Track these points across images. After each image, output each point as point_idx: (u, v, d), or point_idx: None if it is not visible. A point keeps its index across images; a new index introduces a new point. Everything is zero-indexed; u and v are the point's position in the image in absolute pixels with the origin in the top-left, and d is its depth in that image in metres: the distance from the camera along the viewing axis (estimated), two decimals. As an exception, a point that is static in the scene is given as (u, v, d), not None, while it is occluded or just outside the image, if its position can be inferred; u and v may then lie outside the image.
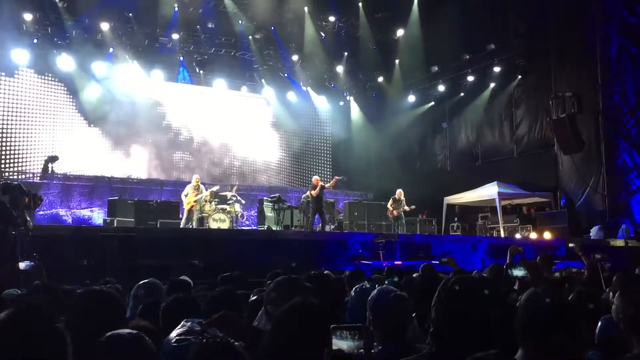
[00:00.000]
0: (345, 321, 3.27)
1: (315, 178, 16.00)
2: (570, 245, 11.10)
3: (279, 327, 2.16)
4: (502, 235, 16.71)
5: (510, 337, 2.01)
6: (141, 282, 4.12)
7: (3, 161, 17.73)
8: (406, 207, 16.43)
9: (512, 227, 17.23)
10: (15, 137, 18.35)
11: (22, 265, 6.65)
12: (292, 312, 2.16)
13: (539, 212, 17.52)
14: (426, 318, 2.73)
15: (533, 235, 15.90)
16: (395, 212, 16.43)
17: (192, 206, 14.72)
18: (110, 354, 1.90)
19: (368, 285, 3.26)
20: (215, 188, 15.67)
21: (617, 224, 15.34)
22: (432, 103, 22.39)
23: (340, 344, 1.83)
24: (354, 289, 3.27)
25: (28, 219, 7.62)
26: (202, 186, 15.18)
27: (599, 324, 3.29)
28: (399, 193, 16.65)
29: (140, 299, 3.86)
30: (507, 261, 7.38)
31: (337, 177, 15.89)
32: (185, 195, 14.85)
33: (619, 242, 14.15)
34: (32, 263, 6.62)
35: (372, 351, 2.36)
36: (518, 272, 4.92)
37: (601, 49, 16.55)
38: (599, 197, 16.49)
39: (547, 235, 15.28)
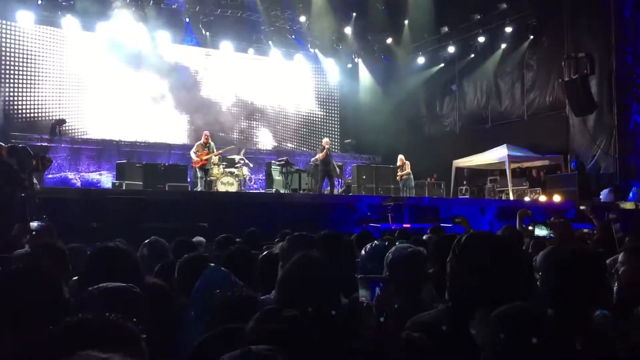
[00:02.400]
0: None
1: (325, 140, 15.97)
2: (581, 207, 11.05)
3: (284, 278, 2.19)
4: (511, 198, 16.65)
5: (523, 292, 1.99)
6: (145, 241, 4.13)
7: (10, 124, 17.69)
8: (402, 172, 16.53)
9: (521, 190, 17.15)
10: (22, 100, 18.29)
11: (32, 225, 6.68)
12: (294, 265, 2.19)
13: (548, 175, 17.41)
14: (439, 278, 2.70)
15: (542, 198, 15.83)
16: (399, 177, 16.62)
17: (203, 163, 14.74)
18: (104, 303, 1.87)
19: (378, 243, 3.23)
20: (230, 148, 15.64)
21: (628, 187, 15.24)
22: (442, 65, 22.07)
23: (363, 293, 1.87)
24: (364, 248, 3.23)
25: (35, 181, 7.62)
26: (212, 144, 15.17)
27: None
28: (400, 159, 16.75)
29: (145, 258, 3.86)
30: (517, 224, 7.36)
31: (328, 147, 15.67)
32: (195, 153, 14.85)
33: (629, 205, 14.06)
34: (42, 224, 6.65)
35: (394, 306, 2.35)
36: (541, 232, 4.88)
37: (615, 9, 16.19)
38: (610, 160, 16.34)
39: (557, 198, 15.20)
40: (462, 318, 1.76)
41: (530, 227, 4.93)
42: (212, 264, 3.02)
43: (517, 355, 1.63)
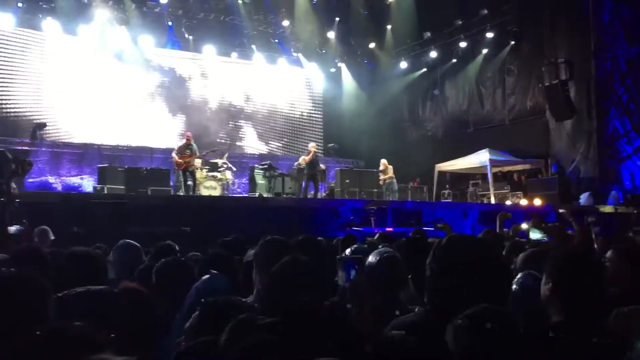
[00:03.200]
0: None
1: (312, 144, 16.03)
2: (561, 210, 11.19)
3: (271, 282, 2.21)
4: (493, 202, 16.80)
5: (501, 295, 2.02)
6: (115, 245, 4.11)
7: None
8: (385, 176, 16.63)
9: (502, 194, 17.32)
10: (1, 103, 18.06)
11: (11, 229, 6.61)
12: (283, 267, 2.23)
13: (529, 179, 17.59)
14: (418, 280, 2.73)
15: (523, 202, 15.99)
16: (382, 182, 16.72)
17: (186, 166, 14.54)
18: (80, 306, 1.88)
19: (357, 246, 3.27)
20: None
21: (607, 191, 15.45)
22: (424, 69, 22.24)
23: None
24: (347, 250, 3.28)
25: (14, 186, 7.53)
26: (194, 145, 14.98)
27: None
28: (382, 163, 16.88)
29: (115, 261, 3.86)
30: (497, 227, 7.44)
31: (315, 151, 15.72)
32: (178, 154, 14.62)
33: (608, 208, 14.26)
34: (21, 228, 6.58)
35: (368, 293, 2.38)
36: (536, 235, 4.92)
37: (593, 14, 16.43)
38: (590, 164, 16.56)
39: (538, 202, 15.37)
40: (439, 322, 1.78)
41: (523, 226, 4.99)
42: (213, 271, 3.00)
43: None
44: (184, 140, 15.03)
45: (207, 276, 2.76)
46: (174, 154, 14.82)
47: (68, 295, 1.92)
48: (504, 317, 1.70)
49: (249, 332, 1.61)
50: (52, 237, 7.00)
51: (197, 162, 15.01)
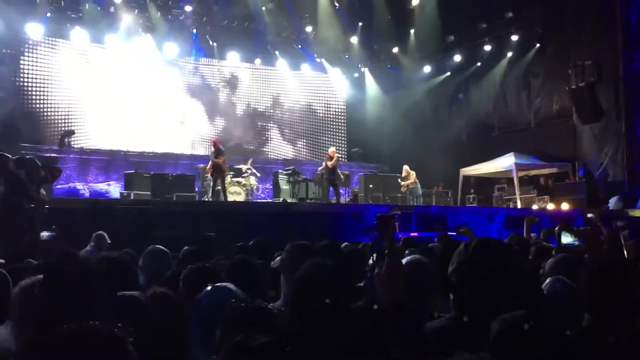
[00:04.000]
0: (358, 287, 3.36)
1: (332, 149, 16.00)
2: (589, 215, 10.99)
3: (297, 285, 2.25)
4: (519, 206, 16.59)
5: (529, 300, 2.00)
6: (145, 251, 4.15)
7: (20, 135, 17.82)
8: (407, 182, 16.59)
9: (529, 199, 17.08)
10: (32, 109, 18.44)
11: (43, 235, 6.73)
12: (306, 271, 2.28)
13: (556, 183, 17.34)
14: (445, 285, 2.71)
15: (550, 206, 15.76)
16: (404, 188, 16.73)
17: (211, 172, 14.55)
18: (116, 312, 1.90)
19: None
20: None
21: (637, 194, 15.16)
22: (448, 73, 22.08)
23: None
24: (371, 257, 3.27)
25: (43, 192, 7.67)
26: (222, 149, 14.80)
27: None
28: (404, 169, 16.83)
29: (144, 267, 3.89)
30: (524, 231, 7.33)
31: (338, 156, 15.75)
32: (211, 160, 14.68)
33: (638, 212, 13.99)
34: (52, 234, 6.69)
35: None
36: (567, 239, 4.83)
37: (620, 14, 16.17)
38: (618, 167, 16.27)
39: (565, 206, 15.14)
40: (468, 327, 1.77)
41: (555, 231, 4.88)
42: (219, 284, 3.00)
43: None
44: (214, 146, 14.89)
45: (209, 288, 2.76)
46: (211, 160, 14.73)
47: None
48: (536, 321, 1.70)
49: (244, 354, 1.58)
50: (109, 242, 7.15)
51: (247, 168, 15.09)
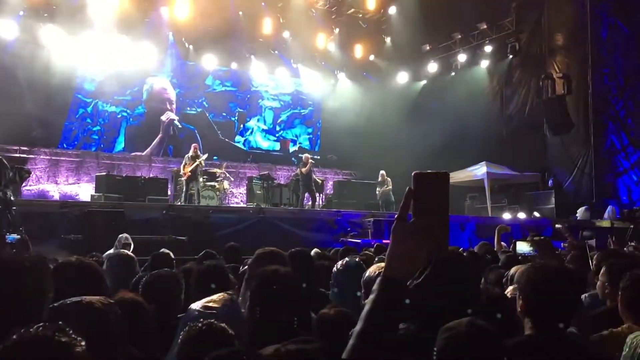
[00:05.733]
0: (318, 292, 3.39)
1: (305, 155, 16.03)
2: (557, 226, 11.19)
3: (254, 293, 2.34)
4: (490, 215, 16.80)
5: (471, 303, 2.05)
6: (106, 254, 4.12)
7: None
8: (383, 188, 16.72)
9: (499, 207, 17.33)
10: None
11: (8, 238, 6.60)
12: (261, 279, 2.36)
13: (526, 193, 17.62)
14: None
15: (521, 216, 16.01)
16: (378, 193, 16.80)
17: (188, 176, 14.60)
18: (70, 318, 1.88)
19: (349, 260, 3.31)
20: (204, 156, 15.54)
21: (604, 205, 15.49)
22: (423, 82, 22.32)
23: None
24: (338, 263, 3.31)
25: (9, 193, 7.54)
26: (201, 155, 15.07)
27: (585, 300, 3.34)
28: (381, 175, 16.95)
29: (108, 271, 3.86)
30: (495, 240, 7.43)
31: (311, 162, 15.81)
32: (184, 166, 14.75)
33: (605, 223, 14.28)
34: (18, 236, 6.57)
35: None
36: (523, 249, 4.90)
37: (592, 30, 16.55)
38: (587, 178, 16.60)
39: (535, 215, 15.39)
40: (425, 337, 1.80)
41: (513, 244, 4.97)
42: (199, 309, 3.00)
43: None
44: (191, 152, 14.99)
45: (197, 313, 2.77)
46: (181, 166, 14.87)
47: (62, 305, 1.92)
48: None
49: None
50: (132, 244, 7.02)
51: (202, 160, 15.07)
